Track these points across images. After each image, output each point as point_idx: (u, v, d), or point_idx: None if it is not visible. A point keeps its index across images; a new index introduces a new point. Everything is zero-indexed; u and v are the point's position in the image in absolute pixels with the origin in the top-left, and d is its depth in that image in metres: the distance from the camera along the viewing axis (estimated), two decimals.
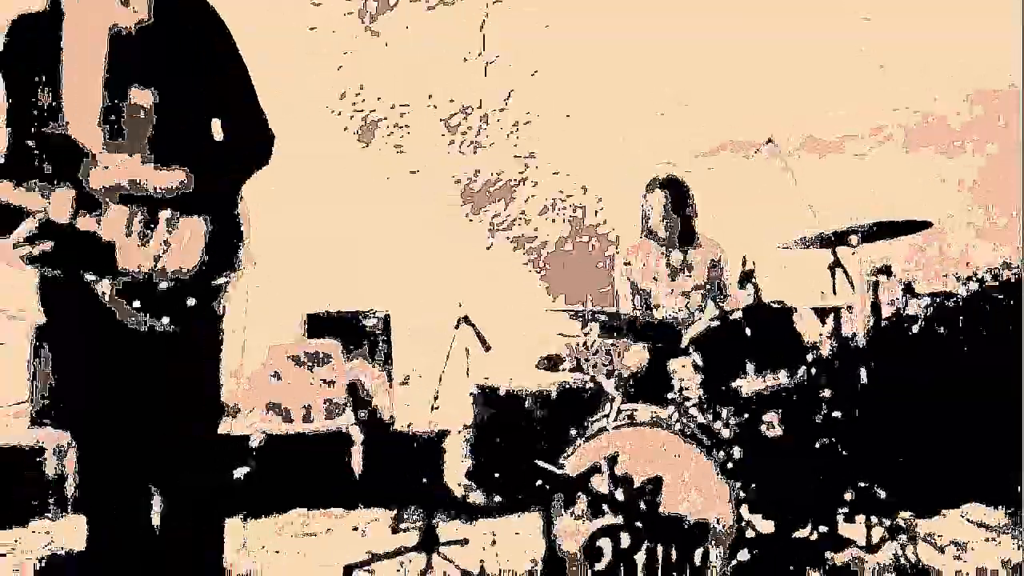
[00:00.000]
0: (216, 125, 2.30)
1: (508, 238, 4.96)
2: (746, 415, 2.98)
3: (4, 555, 3.39)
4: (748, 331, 3.02)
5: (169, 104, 2.17)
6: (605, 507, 2.84)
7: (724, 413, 3.04)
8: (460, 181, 4.91)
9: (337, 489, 3.97)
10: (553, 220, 4.96)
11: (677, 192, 3.90)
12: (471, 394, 3.62)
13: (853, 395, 2.98)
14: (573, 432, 3.14)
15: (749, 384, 2.99)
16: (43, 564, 3.17)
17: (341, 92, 4.82)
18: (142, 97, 2.17)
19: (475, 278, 4.67)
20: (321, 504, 3.96)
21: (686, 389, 3.24)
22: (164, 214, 2.16)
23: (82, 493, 2.49)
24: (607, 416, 3.11)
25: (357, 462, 3.86)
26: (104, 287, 2.13)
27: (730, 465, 2.90)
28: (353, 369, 4.15)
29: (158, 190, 2.16)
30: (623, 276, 3.96)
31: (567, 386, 3.63)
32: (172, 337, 2.16)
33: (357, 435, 3.88)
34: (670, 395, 3.27)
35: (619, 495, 2.86)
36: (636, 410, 3.15)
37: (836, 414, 2.95)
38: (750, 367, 2.99)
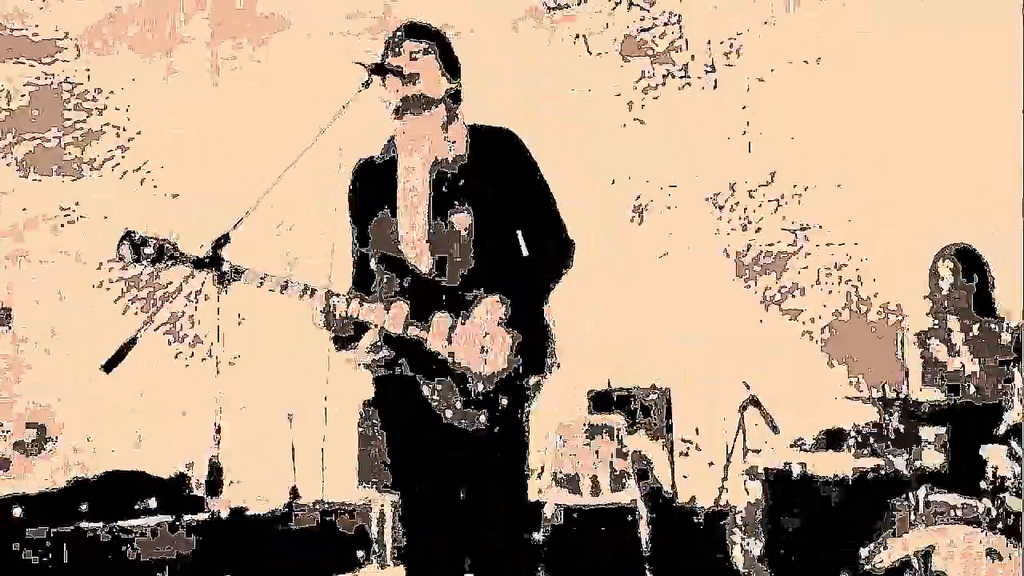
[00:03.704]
0: (521, 238, 2.30)
1: (781, 310, 4.61)
2: None
3: None
4: None
5: (483, 224, 2.23)
6: None
7: None
8: (730, 256, 4.67)
9: (625, 561, 3.85)
10: (829, 292, 4.54)
11: (969, 261, 3.39)
12: (758, 474, 3.34)
13: None
14: (878, 522, 2.76)
15: None
16: None
17: (612, 179, 4.82)
18: (460, 221, 2.21)
19: (750, 351, 4.38)
20: (611, 573, 3.85)
21: (1004, 479, 2.73)
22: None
23: (406, 548, 2.55)
24: (912, 507, 2.71)
25: (644, 535, 3.71)
26: (428, 389, 2.18)
27: None
28: (636, 442, 4.05)
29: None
30: (917, 353, 3.48)
31: (866, 471, 3.23)
32: (487, 429, 2.18)
33: (643, 509, 3.74)
34: (983, 484, 2.78)
35: None
36: (946, 502, 2.71)
37: None
38: None
